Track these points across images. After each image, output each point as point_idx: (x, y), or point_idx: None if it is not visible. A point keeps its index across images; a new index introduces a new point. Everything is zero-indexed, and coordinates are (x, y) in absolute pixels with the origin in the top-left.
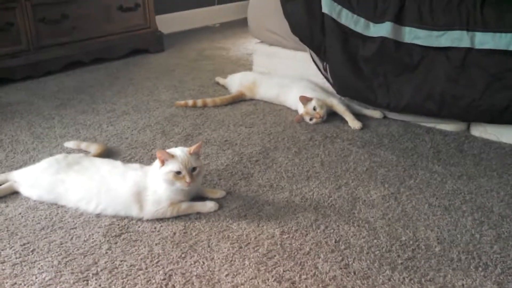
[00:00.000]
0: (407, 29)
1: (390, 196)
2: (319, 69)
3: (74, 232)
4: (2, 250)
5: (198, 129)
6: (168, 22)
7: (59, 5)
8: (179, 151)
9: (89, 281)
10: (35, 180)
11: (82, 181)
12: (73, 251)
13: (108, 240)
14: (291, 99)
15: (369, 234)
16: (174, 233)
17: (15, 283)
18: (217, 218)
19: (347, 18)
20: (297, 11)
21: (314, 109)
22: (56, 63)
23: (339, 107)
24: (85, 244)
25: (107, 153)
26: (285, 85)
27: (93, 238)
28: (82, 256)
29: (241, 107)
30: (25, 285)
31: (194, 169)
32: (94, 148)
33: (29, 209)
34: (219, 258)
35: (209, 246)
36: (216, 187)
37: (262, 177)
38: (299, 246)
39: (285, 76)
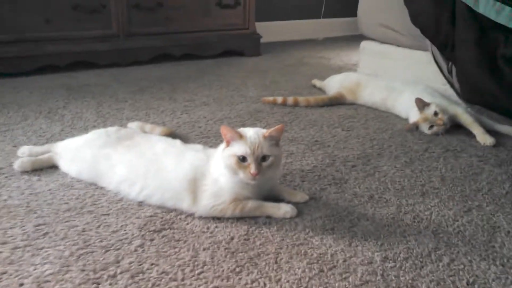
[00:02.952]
0: None
1: None
2: (442, 71)
3: (105, 219)
4: (11, 228)
5: (284, 127)
6: (268, 30)
7: None
8: (251, 132)
9: (100, 285)
10: (77, 152)
11: (129, 159)
12: (94, 242)
13: (143, 235)
14: (402, 105)
15: None
16: (232, 238)
17: (5, 273)
18: (293, 227)
19: (487, 6)
20: None
21: (435, 114)
22: (145, 53)
23: (465, 117)
24: (112, 236)
25: (172, 138)
26: (395, 88)
27: (125, 230)
28: (103, 251)
29: (339, 110)
30: (15, 276)
31: (264, 158)
32: (158, 131)
33: (62, 186)
34: (288, 281)
35: (276, 263)
36: (297, 189)
37: (360, 185)
38: (410, 281)
39: (396, 79)
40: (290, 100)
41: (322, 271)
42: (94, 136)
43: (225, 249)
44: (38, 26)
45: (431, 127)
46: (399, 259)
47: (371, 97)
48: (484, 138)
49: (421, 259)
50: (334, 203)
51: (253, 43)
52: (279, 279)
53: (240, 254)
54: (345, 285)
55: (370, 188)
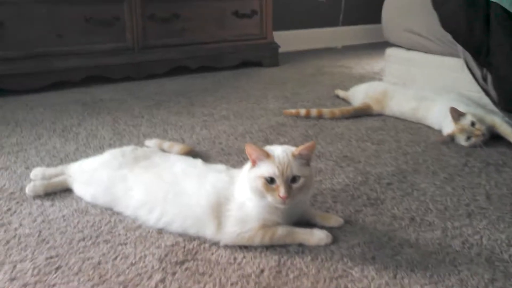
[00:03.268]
0: None
1: None
2: (476, 79)
3: (122, 249)
4: (20, 261)
5: (309, 141)
6: (285, 40)
7: (171, 2)
8: (279, 150)
9: None
10: (92, 175)
11: (147, 181)
12: (110, 277)
13: (164, 268)
14: (434, 115)
15: None
16: (262, 271)
17: None
18: (329, 257)
19: None
20: None
21: (473, 124)
22: (160, 66)
23: (504, 127)
24: (131, 270)
25: (192, 156)
26: (426, 97)
27: (144, 262)
28: (121, 287)
29: (366, 121)
30: None
31: (294, 179)
32: (177, 149)
33: (76, 212)
34: None
35: None
36: (330, 211)
37: (398, 205)
38: None
39: (425, 88)
40: (314, 112)
41: None
42: (109, 157)
43: (255, 283)
44: (49, 40)
45: (468, 138)
46: None
47: (400, 107)
48: None
49: None
50: (372, 227)
51: (271, 53)
52: None
53: None
54: None
55: (410, 209)
